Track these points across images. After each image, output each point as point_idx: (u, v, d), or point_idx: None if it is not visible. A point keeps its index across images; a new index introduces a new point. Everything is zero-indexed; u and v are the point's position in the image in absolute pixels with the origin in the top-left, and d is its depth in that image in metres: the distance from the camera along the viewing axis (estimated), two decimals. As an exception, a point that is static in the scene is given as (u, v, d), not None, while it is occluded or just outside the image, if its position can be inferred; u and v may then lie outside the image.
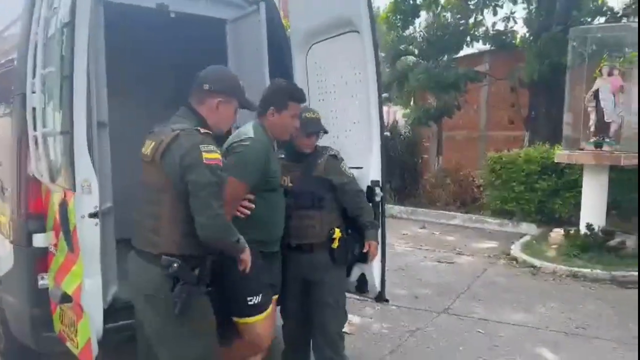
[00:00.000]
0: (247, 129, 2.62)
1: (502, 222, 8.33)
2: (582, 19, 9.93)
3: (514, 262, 6.47)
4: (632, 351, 3.93)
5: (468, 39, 10.83)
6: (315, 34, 3.50)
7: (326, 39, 3.45)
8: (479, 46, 11.87)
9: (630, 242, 6.17)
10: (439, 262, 6.53)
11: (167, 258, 2.04)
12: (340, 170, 2.96)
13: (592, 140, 6.49)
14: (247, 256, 2.29)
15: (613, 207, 6.88)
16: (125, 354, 3.48)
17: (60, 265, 2.66)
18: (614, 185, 6.69)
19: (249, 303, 2.54)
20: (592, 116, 6.48)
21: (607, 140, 6.43)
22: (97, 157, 2.71)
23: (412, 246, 7.32)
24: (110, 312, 2.74)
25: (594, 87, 6.46)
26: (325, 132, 3.00)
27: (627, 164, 6.38)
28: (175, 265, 2.03)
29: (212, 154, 2.03)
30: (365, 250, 2.98)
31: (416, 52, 11.50)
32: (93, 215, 2.38)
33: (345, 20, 3.23)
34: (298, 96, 2.75)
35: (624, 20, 10.46)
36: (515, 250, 6.77)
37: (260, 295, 2.57)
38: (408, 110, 12.60)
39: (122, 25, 3.40)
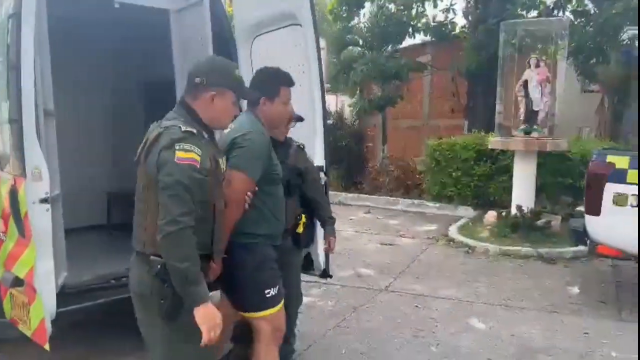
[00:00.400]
0: (243, 123, 2.49)
1: (441, 206, 8.77)
2: (516, 12, 10.46)
3: (451, 242, 6.88)
4: (552, 318, 4.37)
5: (410, 30, 11.19)
6: (260, 26, 3.64)
7: (270, 31, 3.60)
8: (422, 37, 12.27)
9: (555, 221, 6.69)
10: (382, 244, 6.85)
11: (154, 258, 1.92)
12: (308, 160, 3.11)
13: (521, 127, 6.96)
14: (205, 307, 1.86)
15: (541, 190, 7.42)
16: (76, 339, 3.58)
17: (10, 251, 2.73)
18: (542, 169, 7.22)
19: (267, 295, 2.46)
20: (522, 105, 6.95)
21: (535, 127, 6.91)
22: (44, 144, 2.77)
23: (358, 230, 7.61)
24: (61, 296, 2.83)
25: (523, 78, 6.93)
26: (301, 119, 3.06)
27: (552, 150, 6.91)
28: (159, 266, 1.89)
29: (186, 153, 1.88)
30: (326, 246, 3.17)
31: (361, 42, 11.76)
32: (44, 201, 2.46)
33: (288, 13, 3.39)
34: (288, 80, 2.63)
35: (555, 13, 11.09)
36: (453, 231, 7.19)
37: (277, 287, 2.52)
38: (354, 100, 12.90)
39: (67, 16, 3.43)
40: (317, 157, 3.35)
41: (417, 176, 9.92)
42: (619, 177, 4.15)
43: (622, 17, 10.92)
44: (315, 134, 3.37)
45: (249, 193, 2.37)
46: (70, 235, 3.21)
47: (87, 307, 3.23)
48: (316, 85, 3.30)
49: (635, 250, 4.21)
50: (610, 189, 4.17)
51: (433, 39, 11.54)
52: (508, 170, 7.55)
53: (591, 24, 10.86)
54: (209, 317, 1.84)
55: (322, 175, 3.31)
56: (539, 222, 6.61)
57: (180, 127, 1.94)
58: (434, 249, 6.66)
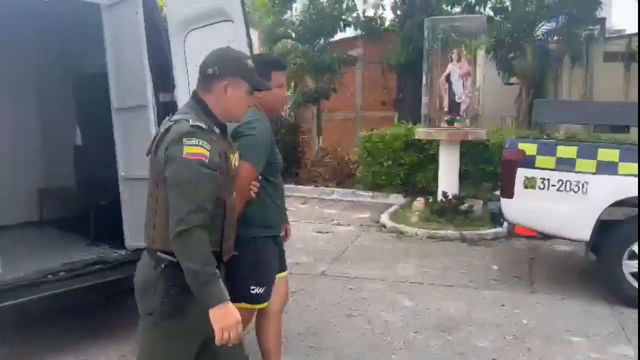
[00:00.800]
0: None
1: (374, 195, 9.14)
2: (441, 8, 10.98)
3: (383, 228, 7.25)
4: (473, 293, 4.77)
5: (341, 24, 11.49)
6: (192, 21, 3.70)
7: (203, 26, 3.68)
8: (353, 31, 12.60)
9: (478, 206, 7.20)
10: (318, 232, 7.10)
11: (160, 255, 1.88)
12: None
13: (445, 118, 7.42)
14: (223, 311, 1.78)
15: (465, 176, 7.93)
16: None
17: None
18: (465, 157, 7.73)
19: (252, 292, 2.49)
20: (446, 97, 7.40)
21: (458, 118, 7.39)
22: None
23: (295, 220, 7.77)
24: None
25: (446, 72, 7.37)
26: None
27: (474, 139, 7.41)
28: (163, 265, 1.86)
29: (195, 148, 1.81)
30: (282, 234, 3.16)
31: (293, 35, 11.93)
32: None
33: (219, 9, 3.47)
34: (277, 63, 2.63)
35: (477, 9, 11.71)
36: (384, 218, 7.56)
37: (266, 287, 2.54)
38: (288, 93, 13.06)
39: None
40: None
41: (351, 167, 10.26)
42: (529, 162, 4.58)
43: (535, 14, 11.74)
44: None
45: (254, 182, 2.35)
46: (2, 233, 3.20)
47: (24, 303, 3.23)
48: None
49: (544, 228, 4.69)
50: (522, 174, 4.60)
51: (363, 33, 11.92)
52: (434, 159, 8.00)
53: (509, 20, 11.60)
54: (223, 317, 1.76)
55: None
56: (463, 207, 7.09)
57: (189, 121, 1.87)
58: (367, 235, 6.98)
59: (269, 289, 2.59)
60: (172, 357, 1.96)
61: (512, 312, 4.32)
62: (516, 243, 6.36)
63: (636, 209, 4.35)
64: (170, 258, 1.83)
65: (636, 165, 4.26)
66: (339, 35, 12.20)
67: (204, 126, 1.88)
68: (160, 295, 1.86)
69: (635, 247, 4.31)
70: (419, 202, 7.69)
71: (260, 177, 2.42)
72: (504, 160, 4.77)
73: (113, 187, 4.00)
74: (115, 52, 3.93)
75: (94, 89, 4.10)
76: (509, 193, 4.66)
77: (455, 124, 7.33)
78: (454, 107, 7.40)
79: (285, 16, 11.92)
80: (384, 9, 11.71)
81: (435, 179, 7.82)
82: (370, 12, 11.67)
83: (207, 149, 1.82)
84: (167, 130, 1.88)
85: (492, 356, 3.57)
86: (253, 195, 2.37)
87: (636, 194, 4.23)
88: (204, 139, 1.84)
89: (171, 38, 3.79)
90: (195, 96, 2.01)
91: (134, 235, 3.95)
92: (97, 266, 3.65)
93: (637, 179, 4.24)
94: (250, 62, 2.05)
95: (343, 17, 11.50)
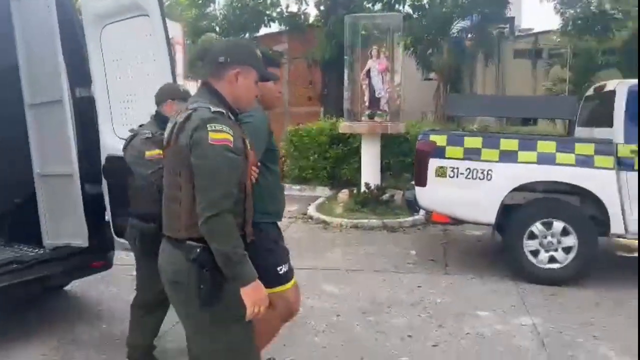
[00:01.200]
0: None
1: (302, 188, 9.33)
2: (363, 5, 11.30)
3: (310, 220, 7.46)
4: (393, 277, 5.05)
5: (266, 19, 11.56)
6: (107, 15, 3.64)
7: (119, 20, 3.65)
8: (279, 26, 12.69)
9: (398, 195, 7.56)
10: (246, 226, 7.17)
11: (190, 243, 1.89)
12: None
13: (366, 113, 7.71)
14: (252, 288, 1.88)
15: (387, 168, 8.29)
16: None
17: None
18: (386, 150, 8.07)
19: (280, 272, 2.54)
20: (366, 92, 7.69)
21: (379, 112, 7.71)
22: None
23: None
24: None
25: (366, 67, 7.66)
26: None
27: (393, 132, 7.76)
28: (197, 250, 1.86)
29: (220, 134, 1.84)
30: None
31: (218, 29, 11.86)
32: None
33: (135, 4, 3.46)
34: (274, 60, 2.67)
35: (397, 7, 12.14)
36: (311, 210, 7.77)
37: (287, 264, 2.60)
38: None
39: None
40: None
41: (280, 161, 10.35)
42: (440, 153, 4.92)
43: (451, 12, 12.37)
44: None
45: (254, 168, 2.35)
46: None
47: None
48: (167, 73, 3.44)
49: (455, 214, 5.05)
50: (433, 164, 4.92)
51: (287, 28, 12.05)
52: (358, 152, 8.30)
53: (426, 17, 12.14)
54: (254, 294, 1.87)
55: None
56: (384, 197, 7.43)
57: (209, 107, 1.89)
58: (296, 227, 7.15)
59: (291, 266, 2.65)
60: (235, 340, 1.99)
61: (427, 293, 4.63)
62: (432, 229, 6.77)
63: (535, 194, 4.81)
64: (201, 245, 1.86)
65: (534, 153, 4.70)
66: (264, 30, 12.27)
67: (224, 112, 1.92)
68: (197, 283, 1.87)
69: (534, 228, 4.75)
70: (344, 194, 7.95)
71: (259, 164, 2.45)
72: (417, 151, 5.09)
73: (28, 185, 3.89)
74: (27, 45, 3.82)
75: (5, 84, 3.95)
76: (422, 182, 4.98)
77: (376, 118, 7.65)
78: (375, 102, 7.71)
79: (209, 9, 11.83)
80: (307, 5, 11.89)
81: (358, 171, 8.12)
82: (294, 8, 11.82)
83: (231, 134, 1.86)
84: (188, 118, 1.89)
85: (408, 333, 3.83)
86: (254, 180, 2.37)
87: (534, 180, 4.69)
88: (227, 124, 1.88)
89: (86, 32, 3.73)
90: (206, 84, 2.02)
91: (52, 234, 3.87)
92: (13, 266, 3.55)
93: (535, 166, 4.69)
94: (259, 51, 2.09)
95: (267, 12, 11.56)
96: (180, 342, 2.66)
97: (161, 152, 2.71)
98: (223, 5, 11.86)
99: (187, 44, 12.92)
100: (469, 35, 13.56)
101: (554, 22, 14.30)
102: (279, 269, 2.54)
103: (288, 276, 2.61)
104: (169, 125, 2.00)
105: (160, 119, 3.02)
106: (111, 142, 3.54)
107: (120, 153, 3.65)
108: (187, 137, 1.86)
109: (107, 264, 3.97)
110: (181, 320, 2.08)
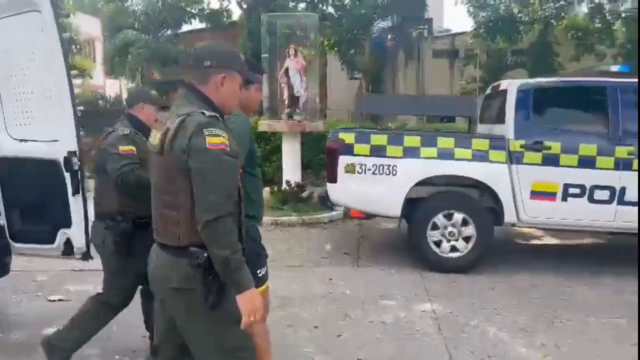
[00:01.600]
0: None
1: (224, 187, 9.28)
2: (284, 3, 11.39)
3: (230, 218, 7.44)
4: (308, 271, 5.18)
5: (186, 16, 11.39)
6: (-3, 10, 3.54)
7: (8, 16, 3.52)
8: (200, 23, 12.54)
9: (317, 193, 7.73)
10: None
11: (195, 249, 1.88)
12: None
13: (286, 111, 7.81)
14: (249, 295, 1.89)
15: (307, 166, 8.44)
16: None
17: None
18: (306, 148, 8.21)
19: (259, 275, 2.56)
20: (285, 91, 7.78)
21: (297, 111, 7.82)
22: None
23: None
24: None
25: (285, 66, 7.75)
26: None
27: (312, 131, 7.91)
28: (205, 255, 1.86)
29: (217, 138, 1.84)
30: None
31: (136, 26, 11.56)
32: None
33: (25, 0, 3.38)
34: (256, 66, 2.67)
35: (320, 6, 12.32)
36: (232, 208, 7.75)
37: (265, 267, 2.65)
38: (135, 84, 12.63)
39: None
40: (69, 141, 3.40)
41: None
42: (348, 150, 5.10)
43: (371, 13, 12.73)
44: (64, 118, 3.42)
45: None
46: None
47: None
48: (62, 69, 3.36)
49: (364, 208, 5.26)
50: (343, 160, 5.10)
51: (209, 25, 11.94)
52: (279, 150, 8.38)
53: (348, 17, 12.42)
54: (250, 302, 1.87)
55: (75, 160, 3.40)
56: (304, 194, 7.56)
57: (204, 112, 1.89)
58: (214, 226, 7.13)
59: (267, 269, 2.70)
60: (240, 339, 2.01)
61: (337, 285, 4.79)
62: (350, 224, 6.98)
63: (437, 187, 5.09)
64: (205, 250, 1.86)
65: (434, 149, 4.98)
66: (188, 27, 12.10)
67: (217, 116, 1.92)
68: (203, 288, 1.88)
69: (436, 220, 5.03)
70: (266, 192, 8.00)
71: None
72: (327, 149, 5.24)
73: None
74: None
75: None
76: (333, 178, 5.14)
77: (295, 117, 7.76)
78: (294, 100, 7.82)
79: (127, 4, 11.51)
80: (229, 2, 11.84)
81: (280, 169, 8.20)
82: (216, 5, 11.72)
83: (226, 138, 1.87)
84: (181, 123, 1.88)
85: (315, 324, 3.97)
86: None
87: (435, 174, 4.97)
88: (222, 128, 1.88)
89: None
90: (193, 89, 2.01)
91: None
92: None
93: (436, 161, 4.96)
94: (242, 56, 2.12)
95: (188, 8, 11.40)
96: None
97: (134, 148, 2.96)
98: (142, 1, 11.55)
99: (107, 39, 12.53)
100: (390, 36, 14.00)
101: (470, 24, 15.07)
102: (258, 271, 2.60)
103: (264, 279, 2.69)
104: (157, 132, 1.99)
105: (132, 121, 3.15)
106: (3, 143, 3.42)
107: (14, 154, 3.55)
108: (183, 143, 1.86)
109: (4, 270, 3.82)
110: (179, 325, 2.04)
